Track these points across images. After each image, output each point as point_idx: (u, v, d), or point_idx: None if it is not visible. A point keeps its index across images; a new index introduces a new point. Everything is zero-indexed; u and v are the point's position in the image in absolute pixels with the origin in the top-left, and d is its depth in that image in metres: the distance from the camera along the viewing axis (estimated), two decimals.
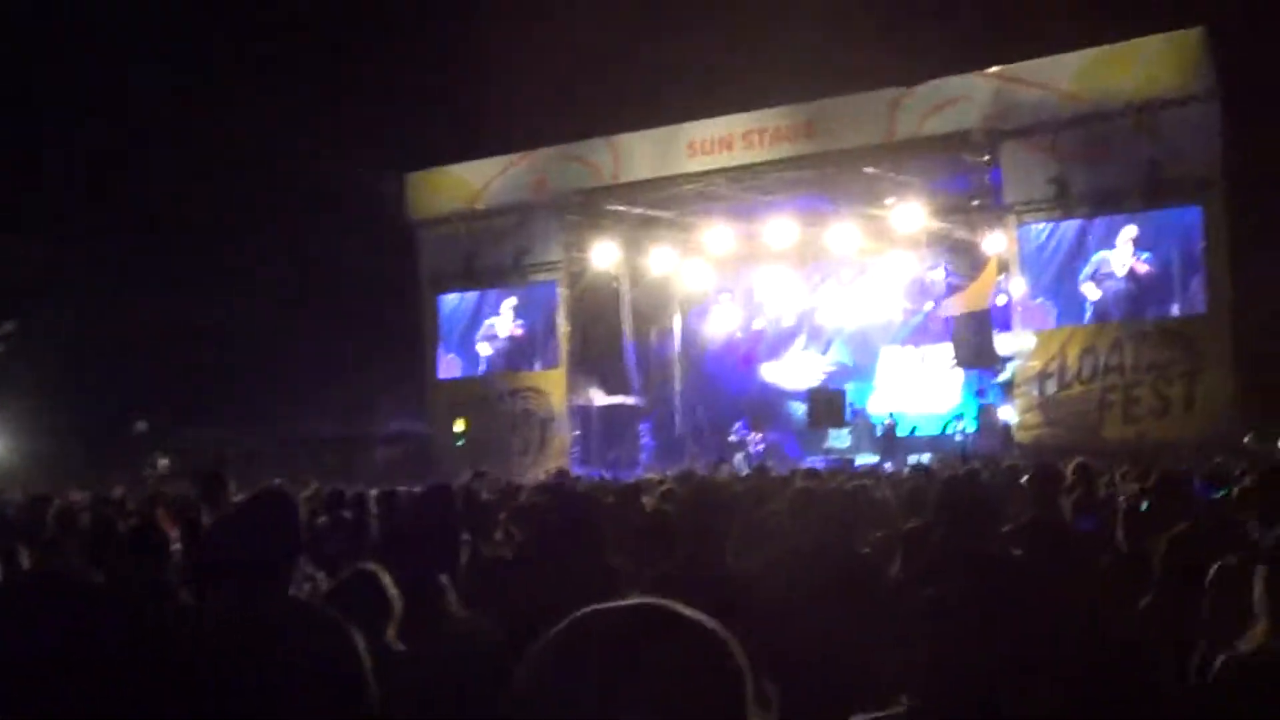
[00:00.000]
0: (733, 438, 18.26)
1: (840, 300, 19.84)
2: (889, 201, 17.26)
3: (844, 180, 17.23)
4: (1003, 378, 16.30)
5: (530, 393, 19.18)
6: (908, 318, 19.50)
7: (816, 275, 19.87)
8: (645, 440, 19.55)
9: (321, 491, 7.34)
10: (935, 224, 17.41)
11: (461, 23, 20.75)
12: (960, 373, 17.79)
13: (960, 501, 3.75)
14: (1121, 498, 5.66)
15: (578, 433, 18.85)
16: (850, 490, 5.18)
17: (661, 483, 7.61)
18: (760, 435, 18.28)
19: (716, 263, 19.38)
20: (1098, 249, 15.41)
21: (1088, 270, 15.54)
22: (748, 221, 18.31)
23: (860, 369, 19.77)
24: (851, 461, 16.53)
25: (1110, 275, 15.33)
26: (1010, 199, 16.03)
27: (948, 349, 17.38)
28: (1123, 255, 15.26)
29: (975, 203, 16.94)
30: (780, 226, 18.03)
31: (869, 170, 16.81)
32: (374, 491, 7.02)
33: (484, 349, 19.57)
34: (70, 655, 1.73)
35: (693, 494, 5.04)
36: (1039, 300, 15.74)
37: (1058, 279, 15.71)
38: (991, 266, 16.01)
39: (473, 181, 19.59)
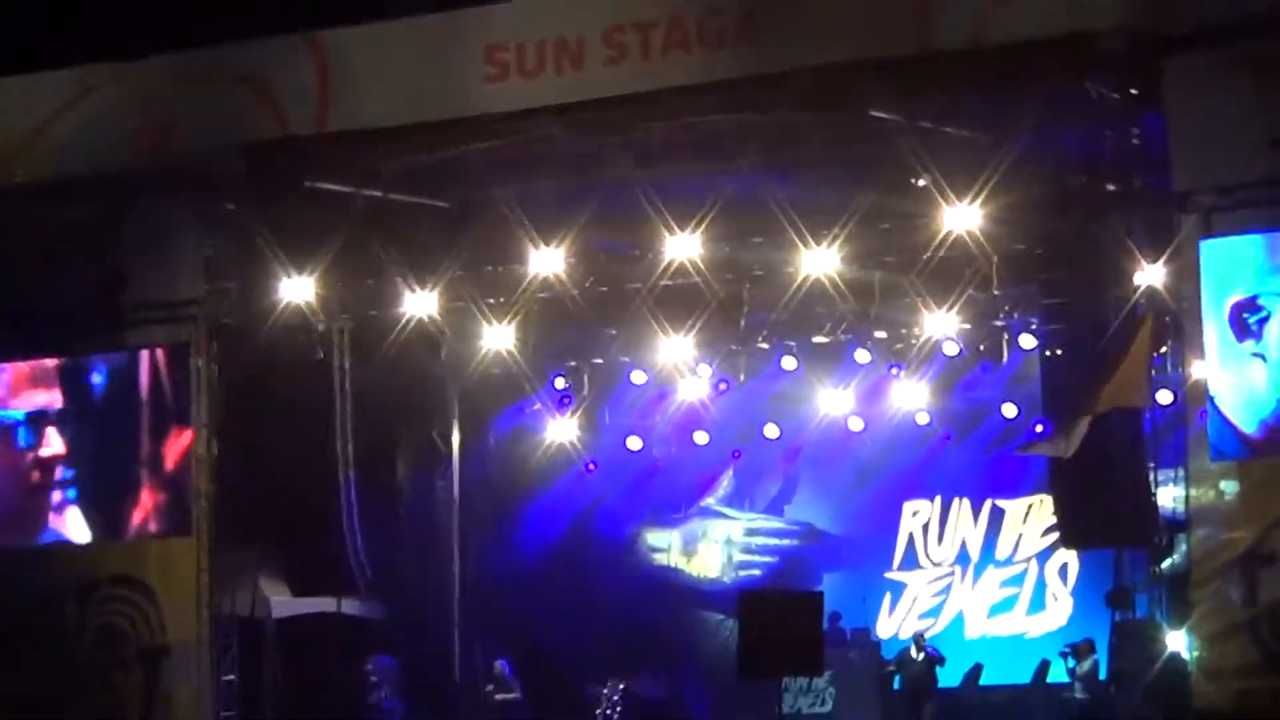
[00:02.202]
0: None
1: (811, 396, 17.51)
2: (919, 183, 13.92)
3: (824, 139, 14.34)
4: (1167, 565, 13.53)
5: (120, 593, 15.79)
6: (956, 437, 17.06)
7: (764, 341, 16.91)
8: (385, 699, 16.91)
9: None
10: (1009, 237, 14.24)
11: None
12: (1074, 558, 16.31)
13: None
14: None
15: (230, 678, 15.80)
16: None
17: None
18: (624, 685, 17.13)
19: (549, 314, 16.85)
20: None
21: None
22: (616, 225, 15.46)
23: (856, 545, 18.04)
24: None
25: None
26: (1186, 184, 12.56)
27: (1046, 506, 15.11)
28: None
29: (1107, 188, 13.54)
30: (684, 243, 15.06)
31: (878, 116, 13.56)
32: None
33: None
34: None
35: None
36: (1246, 399, 12.25)
37: None
38: (1144, 332, 12.93)
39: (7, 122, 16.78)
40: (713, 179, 14.78)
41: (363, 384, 16.39)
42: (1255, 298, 12.39)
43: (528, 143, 14.90)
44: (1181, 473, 12.80)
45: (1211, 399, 12.47)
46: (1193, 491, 12.63)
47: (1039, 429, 14.58)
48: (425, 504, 18.11)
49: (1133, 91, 13.19)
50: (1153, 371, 13.43)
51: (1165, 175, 12.93)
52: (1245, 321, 12.33)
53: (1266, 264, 12.38)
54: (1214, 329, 12.39)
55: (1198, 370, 12.69)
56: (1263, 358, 12.31)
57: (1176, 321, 13.13)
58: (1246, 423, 12.42)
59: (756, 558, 17.98)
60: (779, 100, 14.05)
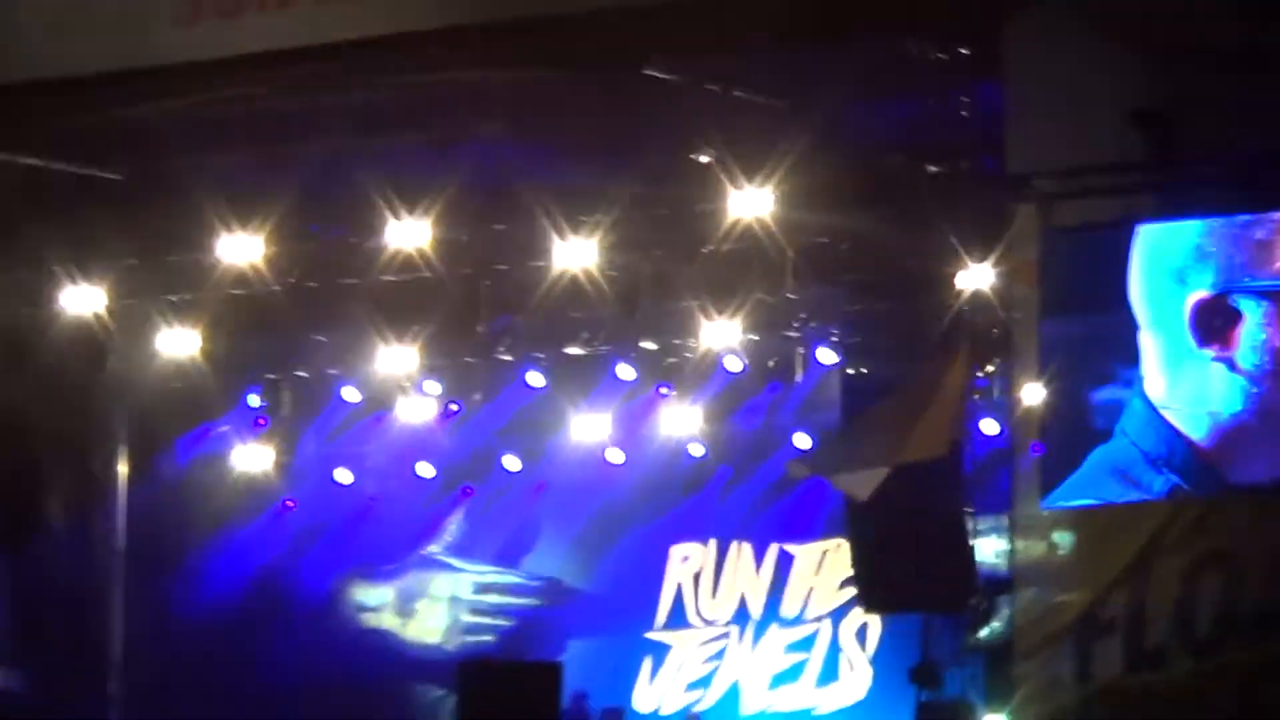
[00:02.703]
0: None
1: (562, 420, 16.91)
2: (702, 159, 13.74)
3: (585, 103, 13.77)
4: (985, 634, 13.01)
5: None
6: (737, 471, 16.55)
7: (506, 351, 16.59)
8: None
9: None
10: (808, 228, 13.73)
11: None
12: (876, 619, 15.51)
13: None
14: None
15: None
16: None
17: None
18: None
19: (242, 315, 16.41)
20: (1259, 300, 11.54)
21: (1234, 350, 11.60)
22: (328, 206, 15.37)
23: (612, 603, 17.25)
24: None
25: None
26: (1023, 166, 12.17)
27: (844, 553, 14.18)
28: None
29: (929, 171, 13.18)
30: (410, 230, 14.78)
31: (653, 75, 13.14)
32: None
33: None
34: None
35: None
36: (1200, 408, 11.80)
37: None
38: (957, 364, 12.23)
39: None
40: (448, 151, 14.46)
41: (5, 398, 15.87)
42: (1226, 296, 11.59)
43: (222, 101, 14.29)
44: (1006, 521, 12.39)
45: (1152, 407, 11.64)
46: (1019, 544, 12.18)
47: None
48: (81, 548, 17.50)
49: (964, 52, 12.58)
50: (973, 397, 12.86)
51: (1000, 156, 12.43)
52: (1210, 324, 11.47)
53: (1228, 257, 11.60)
54: (1162, 334, 11.62)
55: (1029, 395, 12.09)
56: (1229, 364, 11.64)
57: (1007, 334, 12.57)
58: (1196, 430, 11.67)
59: (488, 619, 17.04)
60: (530, 53, 13.44)
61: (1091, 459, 11.27)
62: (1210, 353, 11.06)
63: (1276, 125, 10.84)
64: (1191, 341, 11.10)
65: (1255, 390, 11.11)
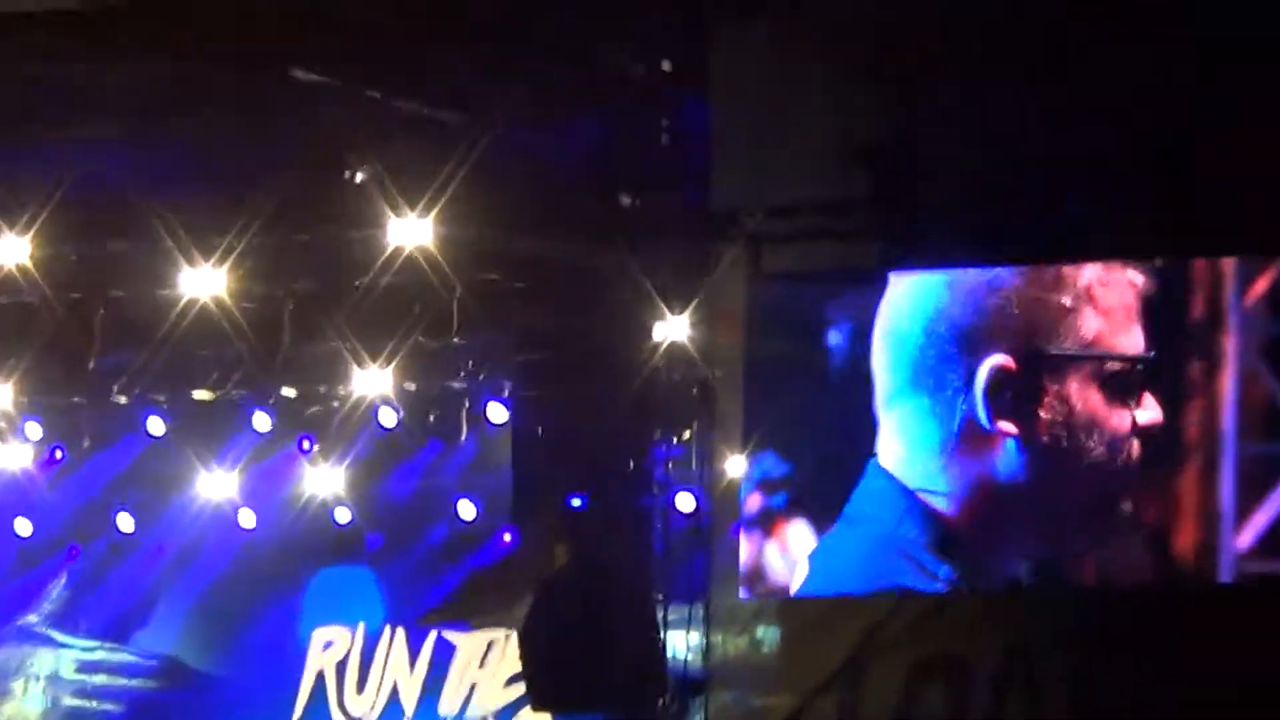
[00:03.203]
0: None
1: (186, 475, 14.72)
2: (357, 178, 12.31)
3: (219, 107, 12.47)
4: None
5: None
6: (391, 542, 14.44)
7: (121, 393, 14.64)
8: None
9: None
10: (478, 263, 12.40)
11: None
12: None
13: None
14: None
15: None
16: None
17: None
18: None
19: None
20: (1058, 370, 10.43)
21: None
22: None
23: (242, 689, 15.09)
24: None
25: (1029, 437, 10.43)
26: (729, 201, 11.04)
27: (514, 644, 12.88)
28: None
29: (621, 203, 11.88)
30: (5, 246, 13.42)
31: (302, 77, 12.02)
32: None
33: None
34: None
35: None
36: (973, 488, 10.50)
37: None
38: None
39: None
40: (58, 153, 12.85)
41: None
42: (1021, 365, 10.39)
43: None
44: (701, 611, 11.13)
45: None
46: (715, 638, 10.93)
47: (506, 538, 12.79)
48: None
49: (666, 66, 11.30)
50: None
51: (704, 189, 11.19)
52: (1004, 398, 10.18)
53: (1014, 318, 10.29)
54: (912, 401, 10.41)
55: (732, 467, 10.93)
56: (1018, 440, 10.46)
57: (707, 394, 11.21)
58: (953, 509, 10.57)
59: (93, 703, 14.88)
60: (152, 44, 12.17)
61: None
62: (997, 425, 9.80)
63: (1013, 169, 9.67)
64: (980, 412, 9.78)
65: (1035, 471, 9.89)
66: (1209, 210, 9.55)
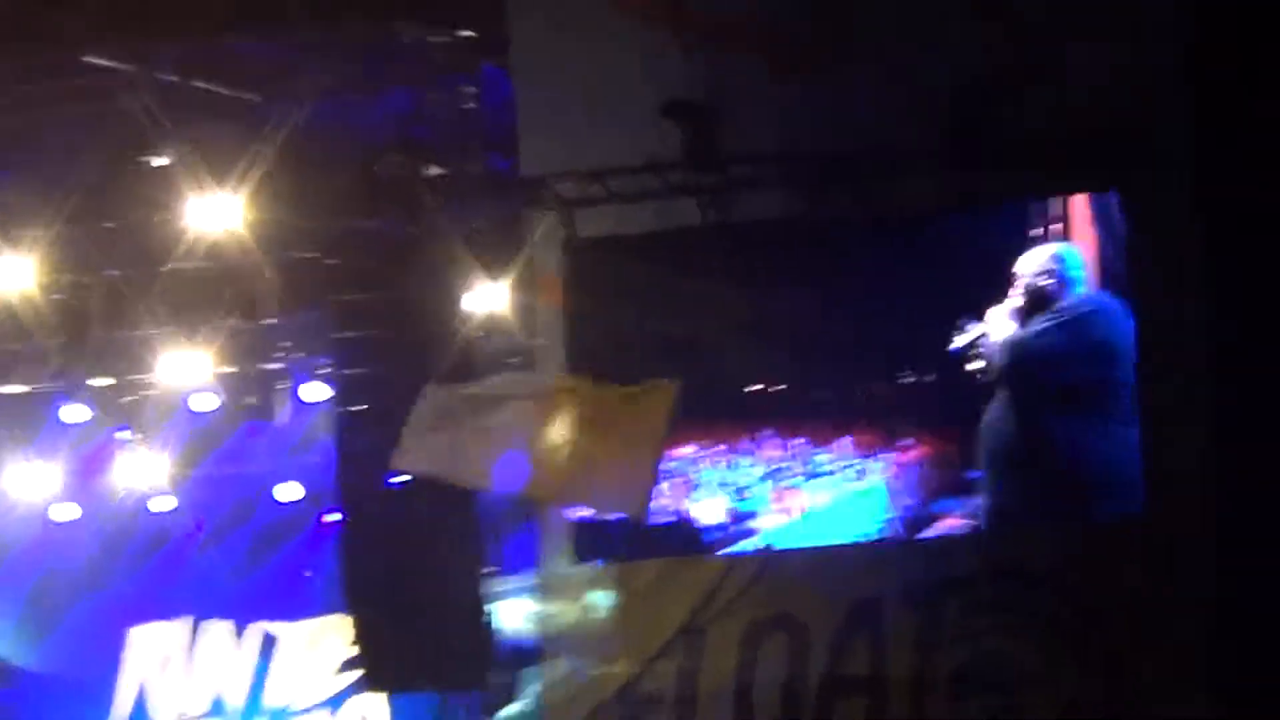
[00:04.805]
0: None
1: None
2: (159, 163, 11.56)
3: (15, 96, 11.57)
4: (510, 713, 11.43)
5: None
6: (212, 532, 13.66)
7: None
8: None
9: None
10: (288, 241, 11.61)
11: None
12: (385, 704, 12.89)
13: None
14: None
15: None
16: None
17: None
18: None
19: None
20: None
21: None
22: None
23: (62, 689, 14.03)
24: None
25: None
26: (538, 167, 10.08)
27: (340, 633, 12.70)
28: None
29: (429, 173, 11.04)
30: None
31: (97, 63, 11.08)
32: None
33: None
34: None
35: None
36: None
37: None
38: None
39: None
40: None
41: None
42: None
43: None
44: (534, 581, 10.50)
45: None
46: (548, 607, 10.16)
47: (331, 519, 12.03)
48: None
49: (466, 33, 10.67)
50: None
51: (513, 156, 10.46)
52: None
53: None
54: None
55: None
56: None
57: (529, 362, 10.81)
58: None
59: None
60: None
61: None
62: None
63: (830, 122, 9.15)
64: None
65: None
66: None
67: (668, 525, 9.45)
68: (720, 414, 9.66)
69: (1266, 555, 8.38)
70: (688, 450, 9.48)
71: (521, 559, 10.75)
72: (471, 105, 10.77)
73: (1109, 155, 8.45)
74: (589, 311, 9.67)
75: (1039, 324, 8.86)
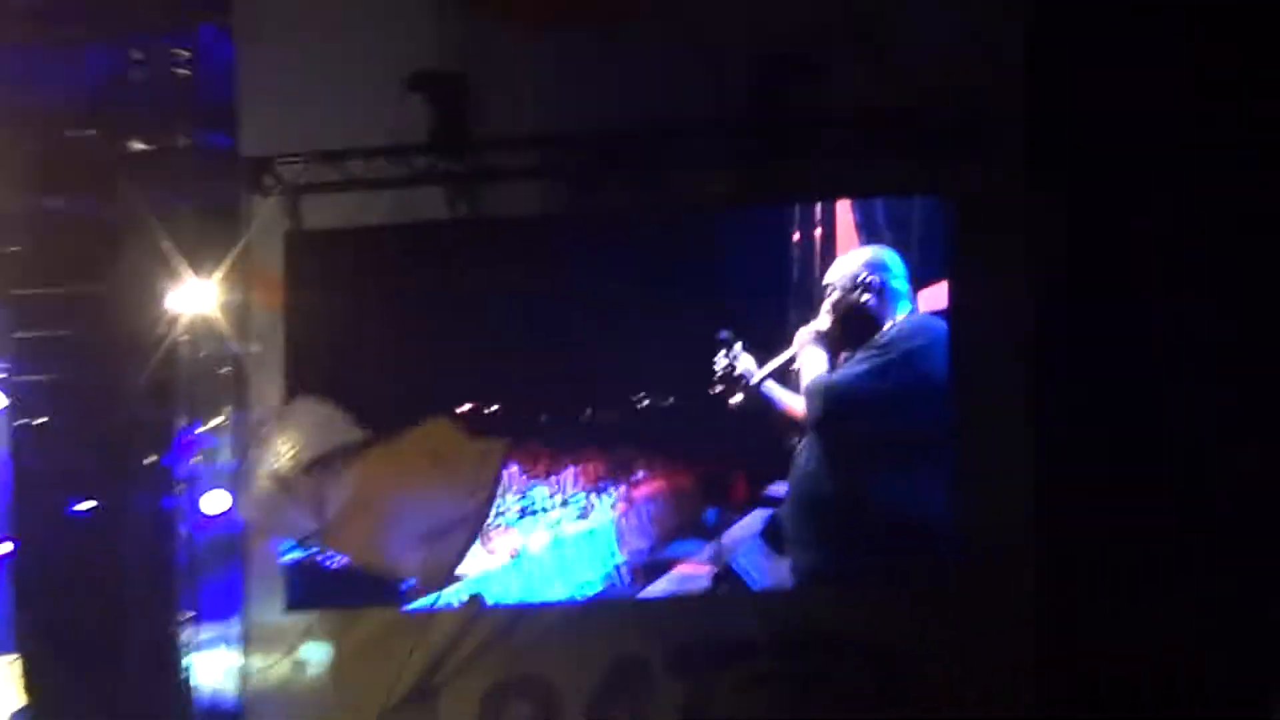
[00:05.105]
0: None
1: None
2: None
3: None
4: None
5: None
6: None
7: None
8: None
9: None
10: None
11: None
12: None
13: None
14: None
15: None
16: None
17: None
18: None
19: None
20: None
21: None
22: None
23: None
24: None
25: None
26: (260, 147, 8.82)
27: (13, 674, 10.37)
28: None
29: (131, 148, 9.74)
30: None
31: None
32: None
33: None
34: None
35: None
36: None
37: None
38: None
39: None
40: None
41: None
42: None
43: None
44: (237, 630, 9.13)
45: None
46: (254, 661, 8.82)
47: (4, 549, 10.39)
48: None
49: None
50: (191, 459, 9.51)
51: (233, 132, 9.11)
52: None
53: None
54: None
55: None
56: None
57: (242, 372, 9.32)
58: None
59: None
60: None
61: None
62: None
63: (605, 99, 8.01)
64: None
65: None
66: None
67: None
68: None
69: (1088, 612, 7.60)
70: None
71: (224, 604, 9.27)
72: (184, 70, 9.32)
73: (936, 150, 7.37)
74: (312, 316, 8.32)
75: (858, 362, 7.30)
